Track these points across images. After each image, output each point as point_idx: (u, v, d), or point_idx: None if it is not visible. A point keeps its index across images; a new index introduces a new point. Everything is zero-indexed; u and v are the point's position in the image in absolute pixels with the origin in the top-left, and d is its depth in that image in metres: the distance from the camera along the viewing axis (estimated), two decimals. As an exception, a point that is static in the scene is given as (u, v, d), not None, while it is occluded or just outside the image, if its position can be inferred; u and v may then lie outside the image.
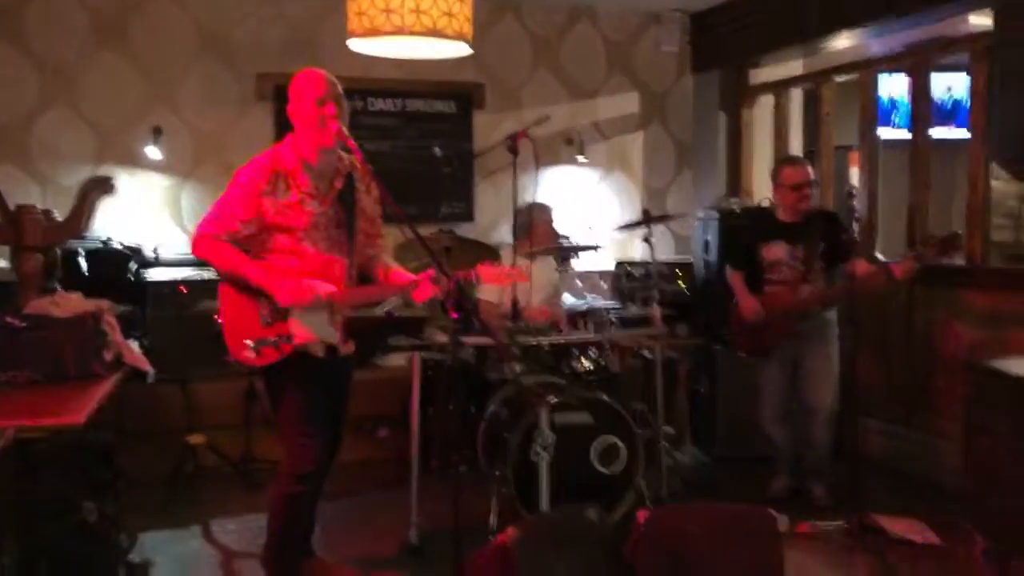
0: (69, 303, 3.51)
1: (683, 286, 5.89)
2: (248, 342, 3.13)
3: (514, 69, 6.17)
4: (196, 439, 4.58)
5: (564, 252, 5.36)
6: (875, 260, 4.82)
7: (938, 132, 5.91)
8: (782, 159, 5.45)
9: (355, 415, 3.60)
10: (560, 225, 5.13)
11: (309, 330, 3.16)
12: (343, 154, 3.31)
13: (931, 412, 4.84)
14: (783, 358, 4.42)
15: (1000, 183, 5.57)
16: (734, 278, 4.52)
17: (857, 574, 3.55)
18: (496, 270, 3.17)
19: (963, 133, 5.92)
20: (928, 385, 4.87)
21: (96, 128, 5.37)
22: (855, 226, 5.60)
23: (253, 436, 4.65)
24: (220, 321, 3.20)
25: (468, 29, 4.08)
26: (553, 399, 3.80)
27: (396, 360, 5.16)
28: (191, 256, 4.75)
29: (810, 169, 4.42)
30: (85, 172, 5.08)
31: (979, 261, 4.64)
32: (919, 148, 5.06)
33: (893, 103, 7.39)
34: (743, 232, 4.71)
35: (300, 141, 3.23)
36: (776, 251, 4.36)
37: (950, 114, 7.42)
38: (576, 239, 5.61)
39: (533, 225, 4.62)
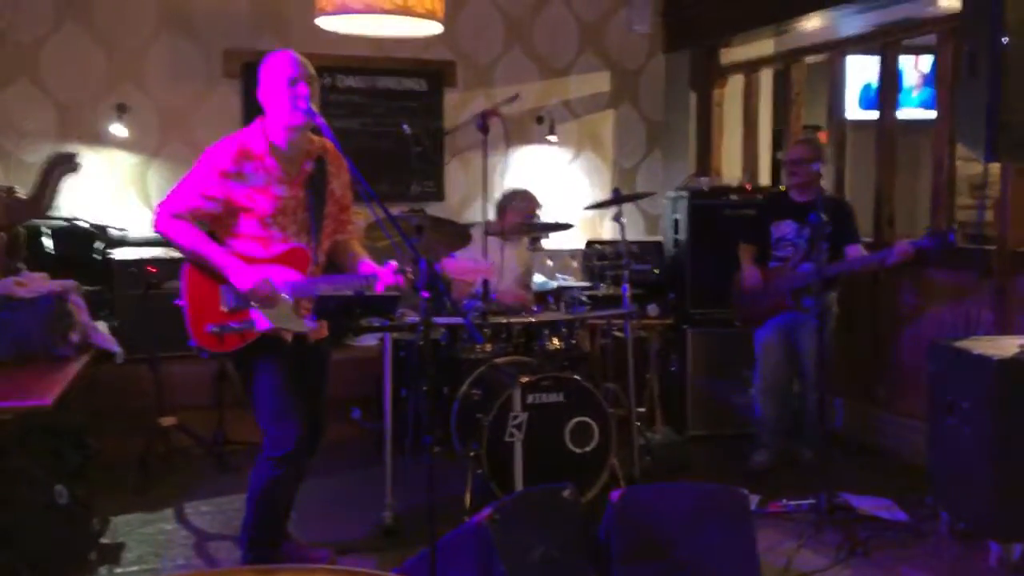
0: (34, 283, 3.46)
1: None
2: (210, 327, 3.09)
3: (486, 47, 6.12)
4: (167, 421, 4.53)
5: (535, 232, 5.37)
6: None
7: (904, 113, 5.96)
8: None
9: (328, 396, 3.57)
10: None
11: (272, 318, 3.13)
12: (313, 137, 3.25)
13: (896, 391, 4.92)
14: (783, 329, 4.56)
15: (965, 163, 5.65)
16: (743, 251, 4.76)
17: (826, 551, 3.63)
18: (463, 265, 3.14)
19: (927, 114, 5.99)
20: (893, 363, 4.95)
21: (60, 104, 5.25)
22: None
23: (225, 417, 4.61)
24: (182, 304, 3.12)
25: (439, 7, 4.05)
26: (525, 379, 3.80)
27: (368, 340, 5.14)
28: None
29: (804, 148, 4.64)
30: (48, 149, 4.97)
31: (943, 240, 4.71)
32: (886, 129, 5.10)
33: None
34: (757, 209, 4.96)
35: (269, 123, 3.16)
36: (784, 229, 4.58)
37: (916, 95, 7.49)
38: (546, 218, 5.60)
39: (508, 213, 4.66)
